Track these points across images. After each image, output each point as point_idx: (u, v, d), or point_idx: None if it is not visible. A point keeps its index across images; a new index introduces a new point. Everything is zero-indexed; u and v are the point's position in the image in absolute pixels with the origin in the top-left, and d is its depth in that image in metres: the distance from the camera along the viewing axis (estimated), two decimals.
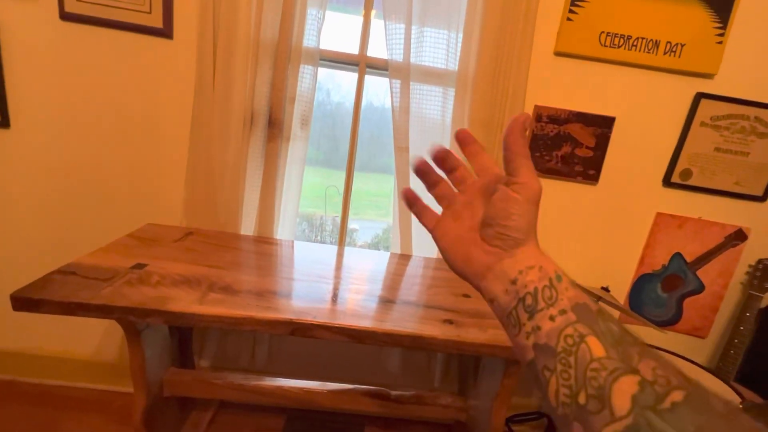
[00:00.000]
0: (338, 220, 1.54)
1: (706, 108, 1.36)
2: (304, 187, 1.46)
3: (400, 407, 1.25)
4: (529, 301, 0.28)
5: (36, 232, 1.40)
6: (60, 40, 1.26)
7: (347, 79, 1.71)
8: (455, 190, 0.38)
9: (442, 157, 0.38)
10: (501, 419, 1.10)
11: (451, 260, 0.36)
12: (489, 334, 0.93)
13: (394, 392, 1.26)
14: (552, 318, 0.27)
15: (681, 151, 1.41)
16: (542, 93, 1.36)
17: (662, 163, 1.44)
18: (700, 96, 1.35)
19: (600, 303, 0.29)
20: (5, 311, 1.45)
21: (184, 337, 1.35)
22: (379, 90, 1.72)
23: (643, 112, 1.39)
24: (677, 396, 0.21)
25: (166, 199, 1.39)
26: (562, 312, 0.26)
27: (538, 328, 0.27)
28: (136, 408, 1.11)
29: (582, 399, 0.23)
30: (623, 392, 0.22)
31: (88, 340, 1.52)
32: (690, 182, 1.44)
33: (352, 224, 1.56)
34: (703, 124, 1.38)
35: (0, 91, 1.28)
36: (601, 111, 1.37)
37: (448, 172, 0.38)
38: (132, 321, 0.99)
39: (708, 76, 1.34)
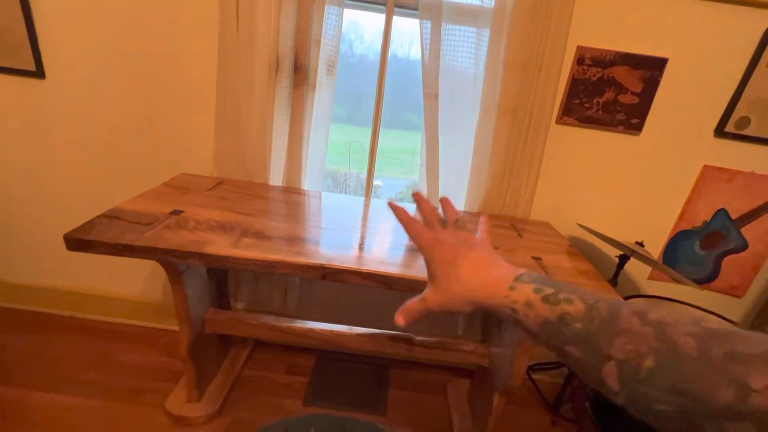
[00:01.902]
0: (362, 176, 1.53)
1: None
2: (329, 144, 1.44)
3: (424, 351, 1.30)
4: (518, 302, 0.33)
5: (77, 177, 1.48)
6: None
7: (370, 28, 1.62)
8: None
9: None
10: (523, 365, 1.13)
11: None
12: None
13: (418, 338, 1.31)
14: (528, 314, 0.32)
15: (740, 96, 1.28)
16: (587, 31, 1.24)
17: (717, 110, 1.32)
18: None
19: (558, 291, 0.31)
20: (62, 254, 1.58)
21: (221, 281, 1.43)
22: (404, 38, 1.62)
23: (701, 52, 1.25)
24: (649, 363, 0.24)
25: (197, 148, 1.41)
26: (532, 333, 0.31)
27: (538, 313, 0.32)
28: (182, 342, 1.21)
29: (588, 377, 0.28)
30: (610, 376, 0.26)
31: (135, 283, 1.65)
32: (746, 132, 1.32)
33: (375, 181, 1.55)
34: None
35: (33, 41, 1.30)
36: (652, 51, 1.25)
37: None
38: (173, 262, 1.05)
39: None
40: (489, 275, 0.35)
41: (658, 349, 0.23)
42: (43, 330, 1.60)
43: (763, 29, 1.21)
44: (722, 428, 0.20)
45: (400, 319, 0.40)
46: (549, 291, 0.31)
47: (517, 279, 0.33)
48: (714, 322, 0.23)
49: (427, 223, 0.41)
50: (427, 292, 0.38)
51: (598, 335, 0.27)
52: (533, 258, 1.08)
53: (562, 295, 0.30)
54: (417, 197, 0.44)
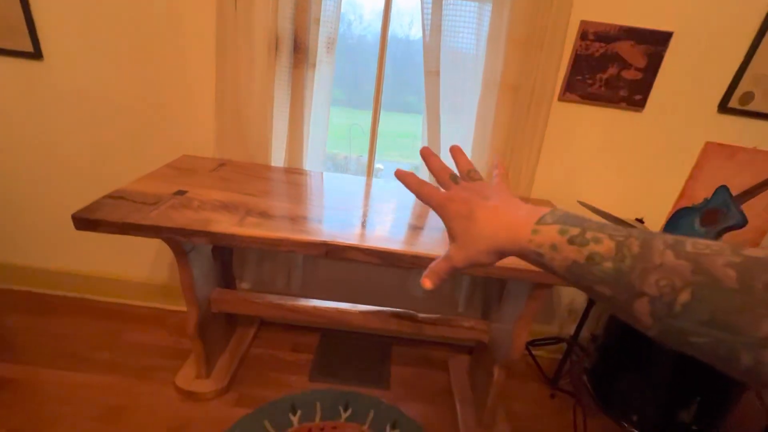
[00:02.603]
0: (362, 159, 1.53)
1: None
2: (329, 127, 1.43)
3: (426, 327, 1.34)
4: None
5: (78, 160, 1.48)
6: None
7: (369, 7, 1.58)
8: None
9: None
10: (523, 339, 1.16)
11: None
12: (516, 258, 0.94)
13: (420, 314, 1.34)
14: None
15: (745, 71, 1.26)
16: (590, 6, 1.22)
17: (721, 85, 1.30)
18: None
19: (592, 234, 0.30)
20: (70, 237, 1.60)
21: (226, 261, 1.45)
22: (403, 18, 1.59)
23: (706, 26, 1.23)
24: (684, 297, 0.23)
25: (198, 130, 1.41)
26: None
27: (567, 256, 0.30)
28: (190, 321, 1.24)
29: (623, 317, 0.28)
30: (642, 312, 0.25)
31: (142, 265, 1.67)
32: (750, 107, 1.31)
33: (376, 164, 1.55)
34: None
35: (29, 22, 1.28)
36: (656, 25, 1.23)
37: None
38: (179, 241, 1.07)
39: None
40: (509, 221, 0.33)
41: (694, 282, 0.23)
42: (54, 311, 1.64)
43: None
44: (758, 356, 0.20)
45: (427, 283, 0.38)
46: (575, 231, 0.29)
47: (540, 221, 0.31)
48: (756, 250, 0.22)
49: (438, 182, 0.40)
50: (451, 250, 0.37)
51: (630, 273, 0.26)
52: None
53: (589, 235, 0.29)
54: (425, 153, 0.42)
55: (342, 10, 1.25)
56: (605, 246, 0.28)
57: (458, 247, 0.36)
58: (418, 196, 0.40)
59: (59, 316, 1.61)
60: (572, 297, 1.67)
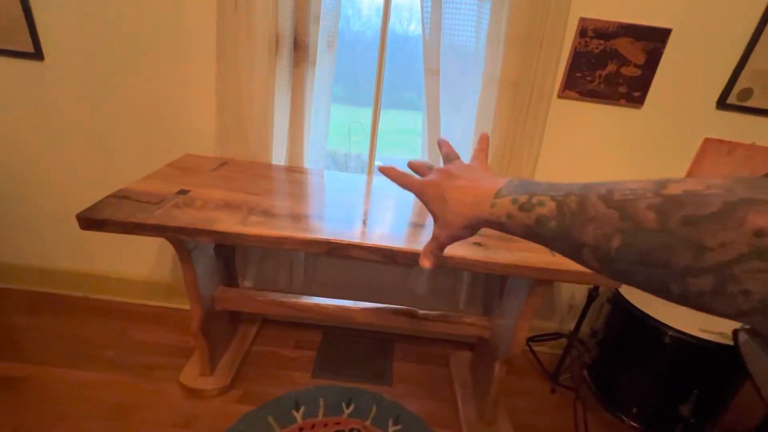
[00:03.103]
0: (362, 157, 1.54)
1: None
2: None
3: (427, 324, 1.35)
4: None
5: (81, 160, 1.49)
6: None
7: (367, 2, 1.58)
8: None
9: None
10: (523, 335, 1.17)
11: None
12: (517, 255, 0.95)
13: (422, 311, 1.35)
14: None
15: (744, 67, 1.27)
16: (589, 2, 1.22)
17: (719, 82, 1.31)
18: None
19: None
20: (73, 237, 1.61)
21: (228, 260, 1.46)
22: (403, 16, 1.59)
23: (705, 22, 1.24)
24: (616, 242, 0.25)
25: (199, 129, 1.42)
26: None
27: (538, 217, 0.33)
28: (194, 318, 1.25)
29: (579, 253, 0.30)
30: (589, 260, 0.28)
31: (144, 264, 1.68)
32: (748, 103, 1.31)
33: (376, 161, 1.56)
34: None
35: (30, 22, 1.28)
36: (655, 22, 1.23)
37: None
38: (183, 240, 1.08)
39: None
40: (474, 197, 0.37)
41: (621, 228, 0.25)
42: (59, 311, 1.65)
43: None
44: (686, 285, 0.22)
45: (426, 263, 0.43)
46: (524, 199, 0.33)
47: (497, 194, 0.35)
48: (676, 184, 0.24)
49: (419, 173, 0.46)
50: (435, 230, 0.42)
51: (572, 228, 0.28)
52: None
53: (535, 200, 0.32)
54: (409, 163, 0.49)
55: (341, 6, 1.26)
56: (548, 207, 0.30)
57: (440, 227, 0.41)
58: (401, 186, 0.45)
59: (64, 316, 1.62)
60: (572, 293, 1.68)
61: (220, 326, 1.44)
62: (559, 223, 0.29)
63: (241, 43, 1.22)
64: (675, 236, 0.22)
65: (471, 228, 0.39)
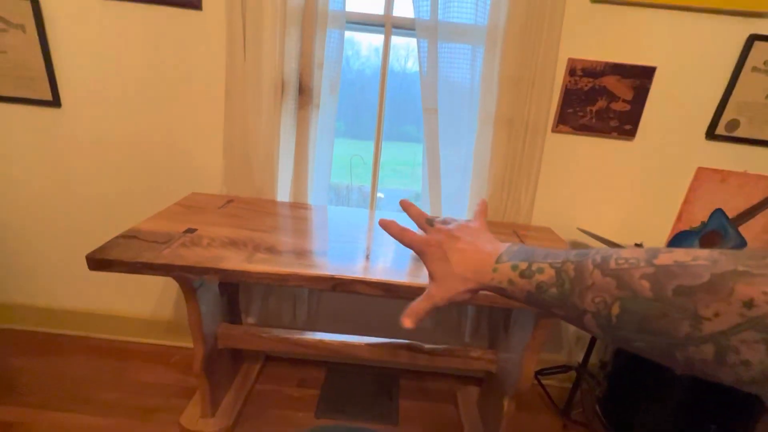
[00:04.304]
0: (364, 189, 1.58)
1: (760, 51, 1.26)
2: None
3: (433, 359, 1.33)
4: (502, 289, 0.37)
5: (92, 201, 1.53)
6: (99, 18, 1.31)
7: (366, 44, 1.68)
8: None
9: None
10: (531, 369, 1.15)
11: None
12: None
13: (427, 345, 1.33)
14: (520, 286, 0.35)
15: (728, 100, 1.32)
16: (577, 44, 1.30)
17: (706, 114, 1.36)
18: (753, 38, 1.25)
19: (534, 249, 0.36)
20: (77, 275, 1.62)
21: (232, 296, 1.46)
22: (400, 54, 1.69)
23: (688, 60, 1.31)
24: (615, 310, 0.26)
25: (206, 169, 1.47)
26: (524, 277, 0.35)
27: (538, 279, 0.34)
28: (196, 357, 1.24)
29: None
30: (591, 326, 0.29)
31: (147, 302, 1.68)
32: (736, 134, 1.36)
33: (378, 193, 1.59)
34: (755, 69, 1.28)
35: (50, 72, 1.36)
36: (640, 61, 1.30)
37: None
38: (189, 279, 1.09)
39: (763, 15, 1.24)
40: (475, 262, 0.38)
41: (620, 296, 0.26)
42: (58, 351, 1.63)
43: (746, 35, 1.26)
44: (688, 354, 0.23)
45: (407, 322, 0.42)
46: (524, 266, 0.34)
47: (498, 260, 0.36)
48: (666, 255, 0.25)
49: (417, 226, 0.46)
50: (431, 289, 0.41)
51: (571, 295, 0.30)
52: None
53: (534, 267, 0.33)
54: (404, 204, 0.49)
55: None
56: (547, 274, 0.32)
57: (437, 287, 0.40)
58: (402, 242, 0.45)
59: (62, 356, 1.60)
60: None
61: (222, 365, 1.42)
62: (559, 291, 0.31)
63: (248, 88, 1.28)
64: (670, 305, 0.23)
65: (471, 291, 0.39)
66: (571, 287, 0.30)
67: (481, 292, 0.39)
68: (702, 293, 0.22)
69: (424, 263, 0.42)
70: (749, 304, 0.20)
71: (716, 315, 0.21)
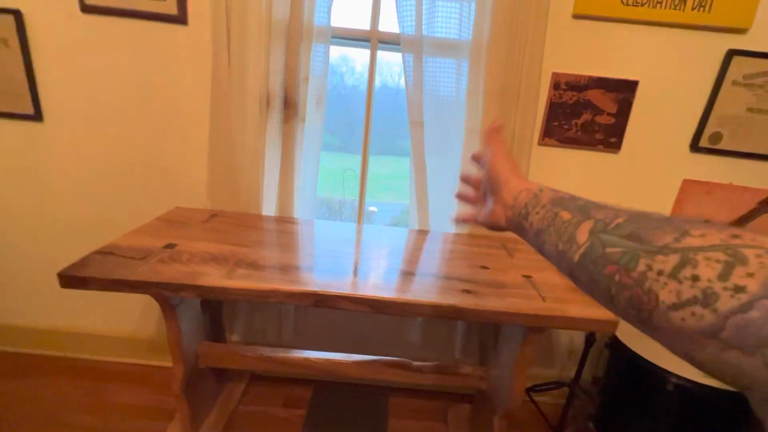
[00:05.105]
0: (356, 203, 1.56)
1: (739, 66, 1.29)
2: (322, 172, 1.48)
3: (421, 376, 1.29)
4: (524, 212, 0.42)
5: (73, 217, 1.49)
6: (82, 32, 1.30)
7: (361, 61, 1.70)
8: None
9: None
10: (521, 386, 1.12)
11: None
12: (507, 302, 0.94)
13: (415, 363, 1.30)
14: (537, 213, 0.39)
15: (710, 113, 1.34)
16: (560, 59, 1.31)
17: (689, 127, 1.38)
18: (731, 53, 1.28)
19: (574, 195, 0.39)
20: (57, 295, 1.57)
21: (215, 313, 1.42)
22: (393, 71, 1.71)
23: (669, 74, 1.33)
24: (620, 219, 0.29)
25: (191, 183, 1.44)
26: (543, 207, 0.39)
27: (532, 223, 0.40)
28: (176, 377, 1.19)
29: (560, 246, 0.34)
30: (582, 231, 0.32)
31: (129, 320, 1.63)
32: (719, 146, 1.37)
33: (370, 206, 1.58)
34: (734, 83, 1.31)
35: (32, 86, 1.35)
36: (623, 75, 1.32)
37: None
38: (167, 296, 1.05)
39: (740, 31, 1.27)
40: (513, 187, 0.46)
41: (631, 214, 0.30)
42: (34, 372, 1.56)
43: (725, 50, 1.29)
44: (650, 262, 0.24)
45: (460, 222, 0.56)
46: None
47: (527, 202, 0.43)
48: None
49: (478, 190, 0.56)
50: (496, 208, 0.47)
51: (594, 208, 0.34)
52: (523, 276, 1.10)
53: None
54: (464, 178, 0.61)
55: (336, 63, 1.34)
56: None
57: (500, 204, 0.47)
58: (481, 223, 0.51)
59: (39, 377, 1.54)
60: (571, 337, 1.64)
61: (204, 385, 1.37)
62: (584, 203, 0.36)
63: (233, 101, 1.28)
64: (672, 224, 0.26)
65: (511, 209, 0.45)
66: (593, 205, 0.34)
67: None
68: (704, 226, 0.24)
69: (494, 177, 0.48)
70: (738, 236, 0.22)
71: (703, 236, 0.23)
